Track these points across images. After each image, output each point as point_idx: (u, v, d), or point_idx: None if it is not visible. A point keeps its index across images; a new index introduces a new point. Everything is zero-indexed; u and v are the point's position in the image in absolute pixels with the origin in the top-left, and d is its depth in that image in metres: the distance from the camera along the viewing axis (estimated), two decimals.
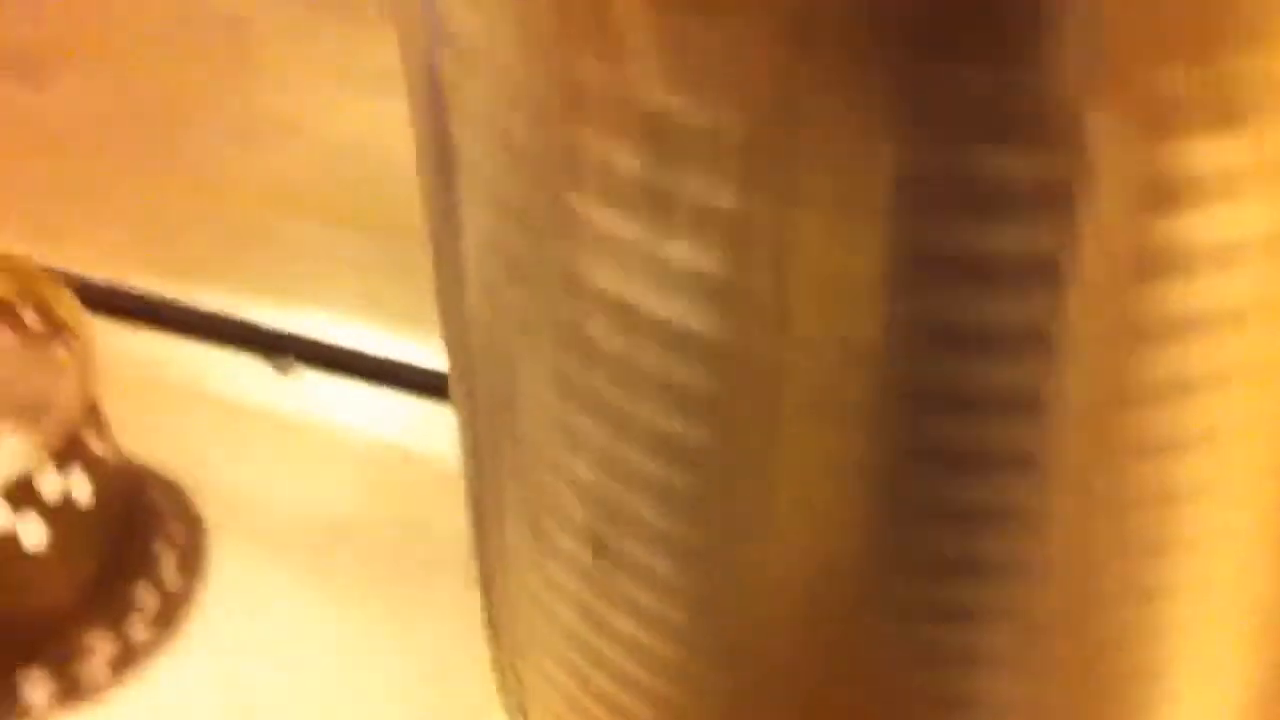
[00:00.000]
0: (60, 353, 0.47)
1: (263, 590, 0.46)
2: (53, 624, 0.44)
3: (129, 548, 0.46)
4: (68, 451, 0.43)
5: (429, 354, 0.51)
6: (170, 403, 0.51)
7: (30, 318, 0.47)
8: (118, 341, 0.53)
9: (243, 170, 0.59)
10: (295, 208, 0.57)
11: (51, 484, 0.42)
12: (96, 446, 0.44)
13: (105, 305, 0.54)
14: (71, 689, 0.43)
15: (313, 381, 0.52)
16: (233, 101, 0.62)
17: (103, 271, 0.55)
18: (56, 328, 0.47)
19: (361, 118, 0.58)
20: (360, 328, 0.53)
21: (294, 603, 0.45)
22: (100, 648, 0.44)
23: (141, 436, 0.49)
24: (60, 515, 0.43)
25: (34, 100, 0.63)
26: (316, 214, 0.57)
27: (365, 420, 0.51)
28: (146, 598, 0.45)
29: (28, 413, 0.49)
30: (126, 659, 0.44)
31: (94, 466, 0.44)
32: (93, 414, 0.44)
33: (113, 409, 0.46)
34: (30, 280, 0.47)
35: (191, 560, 0.46)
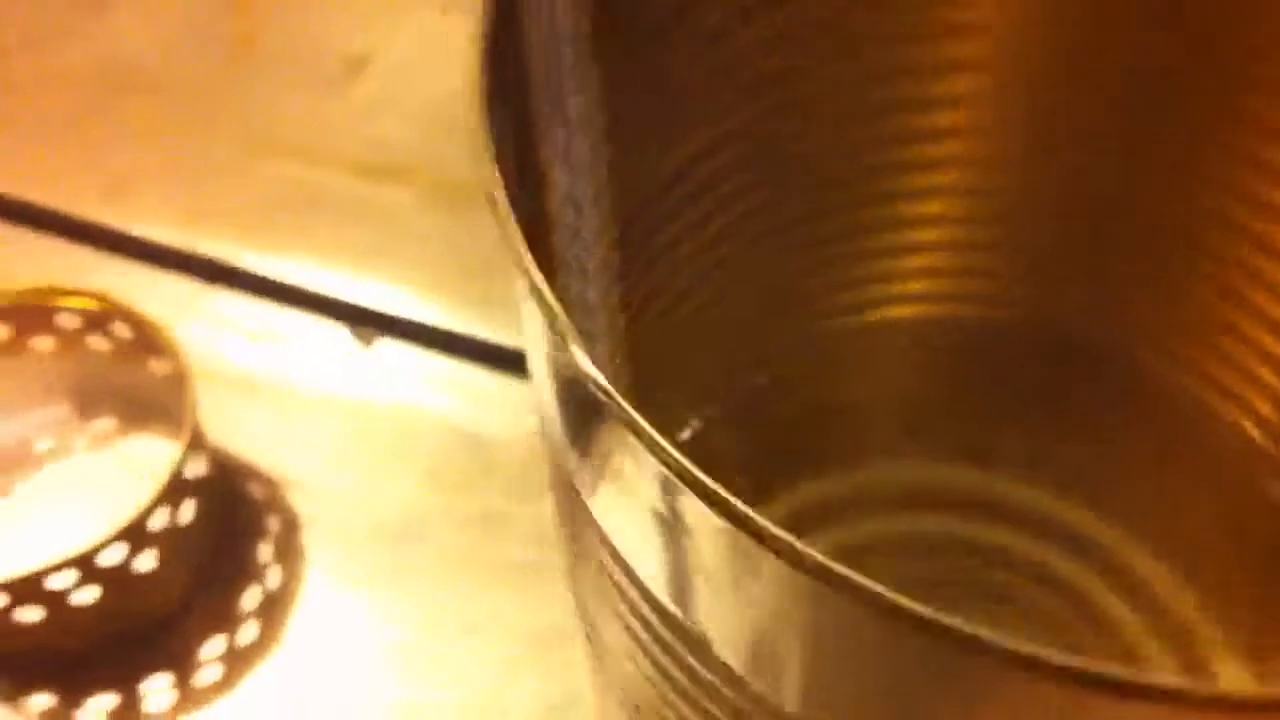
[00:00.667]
0: (154, 362, 0.49)
1: (358, 582, 0.49)
2: (163, 632, 0.48)
3: (230, 547, 0.49)
4: (173, 488, 0.45)
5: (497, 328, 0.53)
6: (250, 381, 0.54)
7: (119, 328, 0.49)
8: (189, 306, 0.55)
9: (314, 123, 0.59)
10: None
11: (160, 518, 0.45)
12: (198, 466, 0.47)
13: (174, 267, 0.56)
14: (188, 695, 0.47)
15: (394, 353, 0.54)
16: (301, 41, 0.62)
17: (168, 231, 0.56)
18: (147, 339, 0.49)
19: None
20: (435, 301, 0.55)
21: (386, 594, 0.49)
22: (210, 652, 0.48)
23: (223, 418, 0.51)
24: (168, 538, 0.46)
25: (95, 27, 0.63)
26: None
27: (445, 397, 0.53)
28: (250, 597, 0.49)
29: (132, 410, 0.51)
30: (236, 660, 0.47)
31: (198, 487, 0.47)
32: (194, 437, 0.47)
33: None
34: (114, 303, 0.49)
35: (289, 555, 0.49)
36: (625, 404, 0.18)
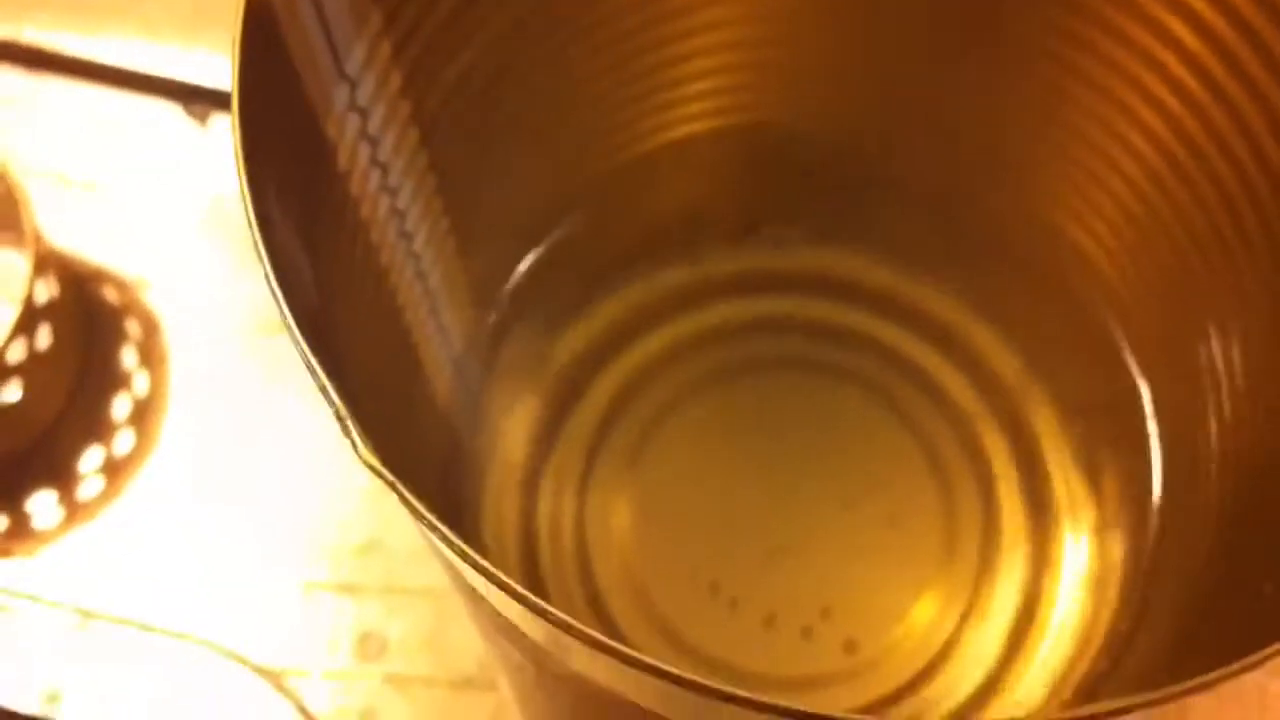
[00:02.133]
0: None
1: (223, 376, 0.50)
2: (43, 451, 0.49)
3: (95, 358, 0.50)
4: (26, 317, 0.45)
5: None
6: (88, 177, 0.53)
7: None
8: (14, 101, 0.53)
9: None
10: None
11: (17, 351, 0.45)
12: (49, 288, 0.47)
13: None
14: (74, 509, 0.48)
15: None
16: None
17: None
18: None
19: None
20: None
21: (253, 388, 0.50)
22: (89, 464, 0.49)
23: (65, 221, 0.51)
24: (30, 366, 0.46)
25: None
26: None
27: None
28: (120, 406, 0.49)
29: None
30: (116, 470, 0.49)
31: (51, 310, 0.47)
32: (40, 259, 0.46)
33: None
34: None
35: (152, 359, 0.50)
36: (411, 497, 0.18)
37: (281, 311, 0.19)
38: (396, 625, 0.47)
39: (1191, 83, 0.31)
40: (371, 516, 0.48)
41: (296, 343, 0.18)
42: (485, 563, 0.18)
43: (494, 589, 0.19)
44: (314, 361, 0.18)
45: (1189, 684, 0.18)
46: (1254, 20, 0.29)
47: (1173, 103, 0.32)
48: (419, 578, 0.47)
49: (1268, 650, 0.19)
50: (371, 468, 0.18)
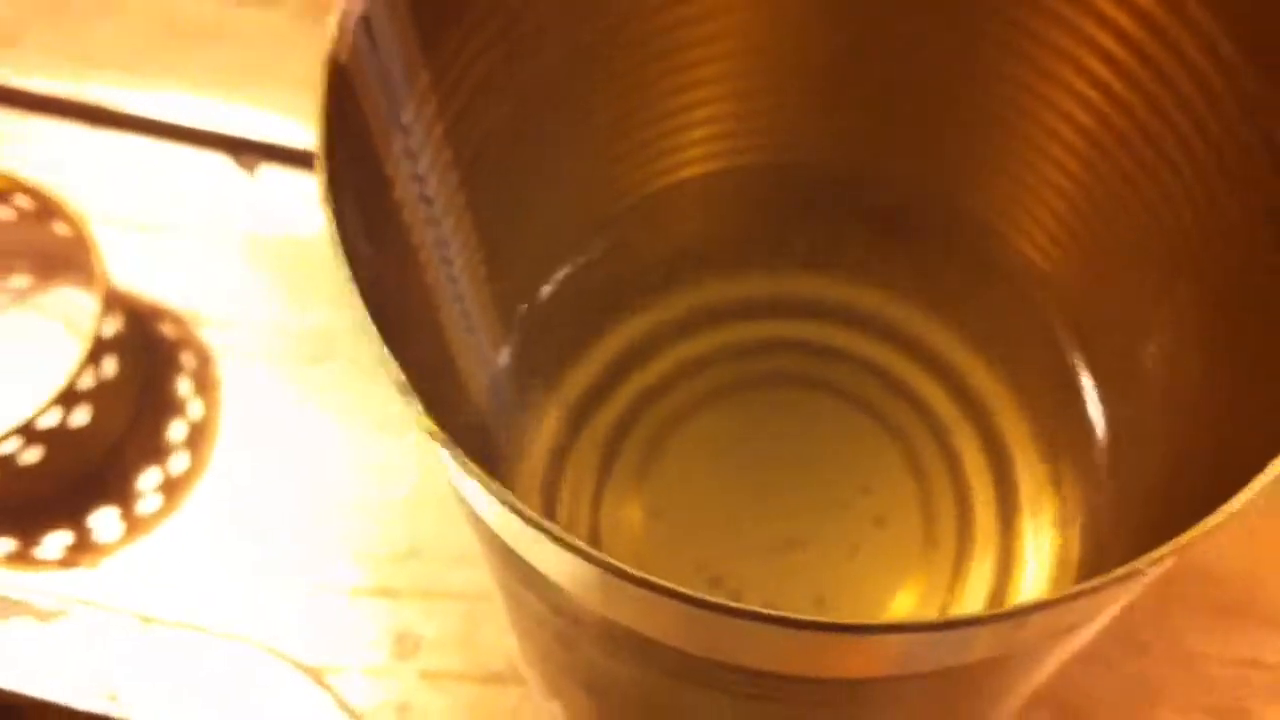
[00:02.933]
0: (57, 226, 0.53)
1: (271, 402, 0.55)
2: (104, 472, 0.53)
3: (153, 387, 0.55)
4: (95, 349, 0.50)
5: None
6: (145, 222, 0.58)
7: (20, 200, 0.53)
8: (76, 152, 0.58)
9: None
10: None
11: (87, 379, 0.50)
12: (115, 323, 0.51)
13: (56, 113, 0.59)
14: (133, 524, 0.53)
15: (278, 178, 0.58)
16: None
17: (45, 80, 0.59)
18: (48, 207, 0.52)
19: None
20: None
21: (303, 412, 0.54)
22: (148, 484, 0.53)
23: (125, 263, 0.56)
24: (96, 393, 0.51)
25: None
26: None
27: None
28: (176, 430, 0.54)
29: (45, 267, 0.55)
30: (172, 488, 0.53)
31: (116, 342, 0.51)
32: (108, 299, 0.51)
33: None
34: (12, 178, 0.52)
35: (206, 387, 0.55)
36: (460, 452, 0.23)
37: (365, 321, 0.23)
38: (431, 626, 0.51)
39: (1114, 105, 0.36)
40: (409, 528, 0.52)
41: (374, 339, 0.23)
42: (517, 501, 0.22)
43: (525, 531, 0.23)
44: (386, 352, 0.23)
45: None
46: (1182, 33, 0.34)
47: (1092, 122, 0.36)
48: (452, 583, 0.52)
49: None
50: (428, 430, 0.23)
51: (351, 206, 0.26)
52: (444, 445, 0.23)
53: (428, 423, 0.23)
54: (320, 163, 0.25)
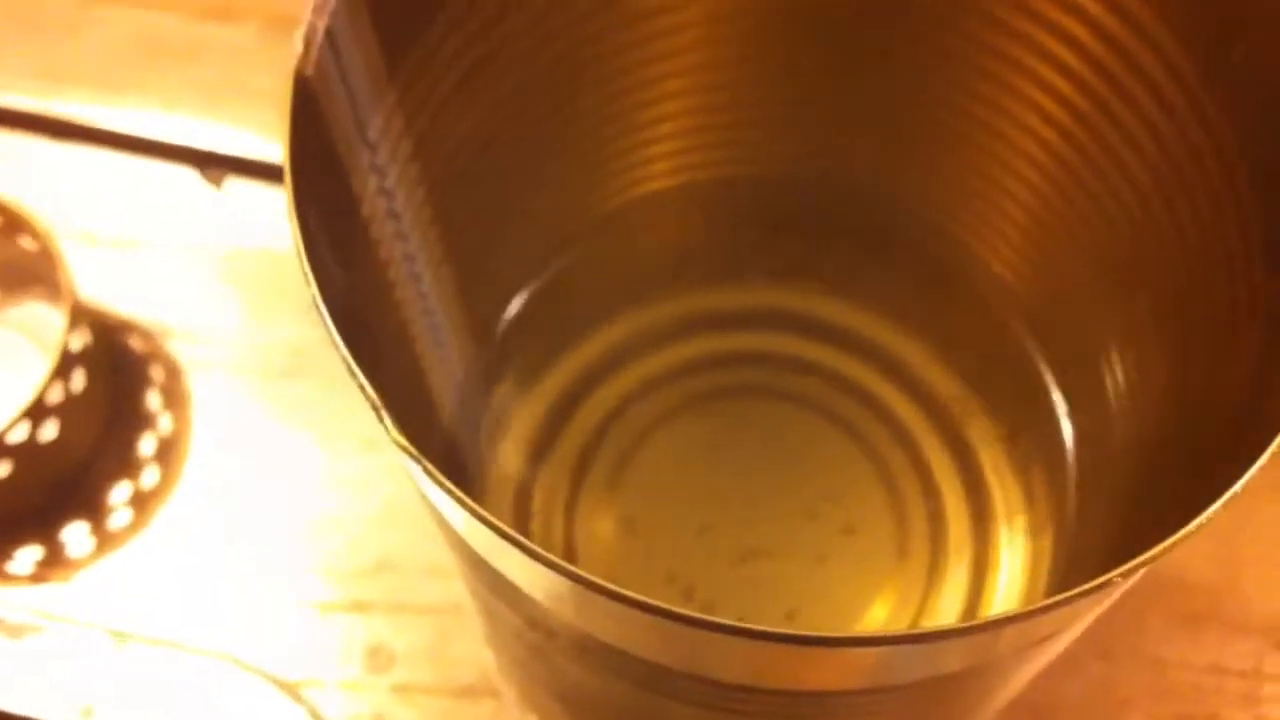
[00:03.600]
0: (23, 240, 0.53)
1: (240, 416, 0.55)
2: (75, 486, 0.53)
3: (123, 400, 0.54)
4: (63, 363, 0.50)
5: None
6: (112, 235, 0.57)
7: None
8: (41, 166, 0.58)
9: None
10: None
11: (55, 393, 0.50)
12: (82, 337, 0.51)
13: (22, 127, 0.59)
14: (104, 538, 0.53)
15: (245, 192, 0.58)
16: None
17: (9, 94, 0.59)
18: (14, 221, 0.52)
19: None
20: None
21: (274, 427, 0.54)
22: (118, 498, 0.53)
23: (93, 276, 0.56)
24: (65, 407, 0.51)
25: None
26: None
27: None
28: (146, 444, 0.54)
29: (11, 280, 0.55)
30: (143, 502, 0.53)
31: (84, 356, 0.51)
32: (74, 312, 0.51)
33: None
34: None
35: (176, 401, 0.55)
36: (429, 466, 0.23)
37: (334, 339, 0.23)
38: (403, 640, 0.51)
39: (1074, 116, 0.36)
40: (379, 542, 0.52)
41: (344, 357, 0.23)
42: (490, 516, 0.22)
43: (497, 544, 0.23)
44: (354, 366, 0.23)
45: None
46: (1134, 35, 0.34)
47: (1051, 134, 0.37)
48: (423, 596, 0.51)
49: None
50: (401, 446, 0.23)
51: (319, 222, 0.26)
52: (415, 460, 0.23)
53: (399, 437, 0.23)
54: (288, 178, 0.25)
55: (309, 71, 0.26)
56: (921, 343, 0.46)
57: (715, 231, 0.45)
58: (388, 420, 0.23)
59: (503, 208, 0.40)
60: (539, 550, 0.22)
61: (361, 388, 0.23)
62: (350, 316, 0.25)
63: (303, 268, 0.24)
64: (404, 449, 0.23)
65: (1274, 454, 0.25)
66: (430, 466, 0.23)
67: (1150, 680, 0.50)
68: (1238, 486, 0.23)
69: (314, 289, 0.24)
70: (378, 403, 0.23)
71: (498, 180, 0.39)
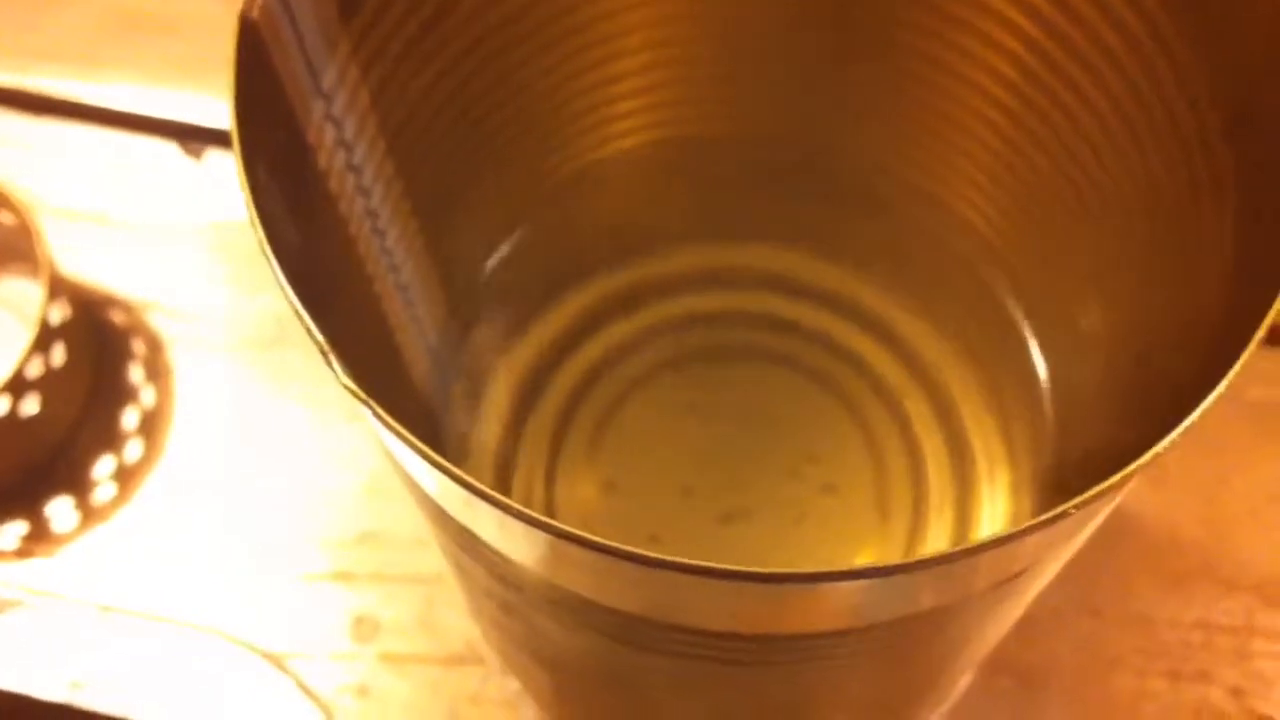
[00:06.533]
0: (5, 215, 0.53)
1: (224, 389, 0.54)
2: (58, 461, 0.53)
3: (105, 374, 0.54)
4: (42, 337, 0.50)
5: None
6: (92, 210, 0.57)
7: None
8: (21, 141, 0.58)
9: None
10: None
11: (35, 367, 0.50)
12: (63, 311, 0.51)
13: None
14: (89, 513, 0.53)
15: (225, 164, 0.58)
16: None
17: None
18: None
19: None
20: None
21: (257, 398, 0.54)
22: (102, 472, 0.53)
23: (74, 251, 0.55)
24: (45, 381, 0.50)
25: None
26: None
27: None
28: (129, 417, 0.54)
29: None
30: (127, 476, 0.53)
31: (64, 329, 0.51)
32: (53, 285, 0.51)
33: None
34: None
35: (158, 374, 0.54)
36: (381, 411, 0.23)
37: (278, 279, 0.23)
38: (389, 609, 0.51)
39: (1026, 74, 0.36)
40: (364, 512, 0.52)
41: (290, 299, 0.23)
42: (452, 467, 0.22)
43: (462, 497, 0.23)
44: (301, 309, 0.23)
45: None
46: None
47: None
48: (410, 566, 0.51)
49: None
50: (349, 389, 0.23)
51: (269, 172, 0.26)
52: (365, 404, 0.23)
53: (347, 381, 0.23)
54: (233, 127, 0.24)
55: (254, 14, 0.25)
56: (902, 299, 0.45)
57: (690, 191, 0.45)
58: (336, 363, 0.23)
59: (468, 165, 0.39)
60: (507, 501, 0.22)
61: (309, 330, 0.23)
62: (306, 270, 0.25)
63: (250, 216, 0.24)
64: (353, 392, 0.23)
65: (1253, 413, 0.25)
66: (382, 412, 0.23)
67: (1139, 638, 0.50)
68: (1187, 422, 0.23)
69: (259, 233, 0.24)
70: (325, 345, 0.23)
71: (462, 136, 0.38)
